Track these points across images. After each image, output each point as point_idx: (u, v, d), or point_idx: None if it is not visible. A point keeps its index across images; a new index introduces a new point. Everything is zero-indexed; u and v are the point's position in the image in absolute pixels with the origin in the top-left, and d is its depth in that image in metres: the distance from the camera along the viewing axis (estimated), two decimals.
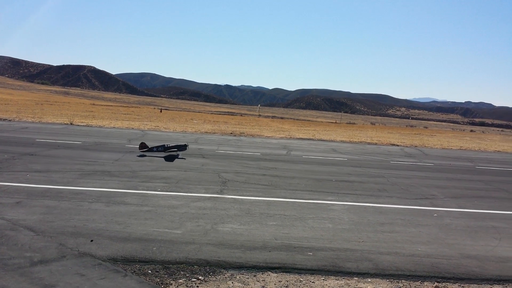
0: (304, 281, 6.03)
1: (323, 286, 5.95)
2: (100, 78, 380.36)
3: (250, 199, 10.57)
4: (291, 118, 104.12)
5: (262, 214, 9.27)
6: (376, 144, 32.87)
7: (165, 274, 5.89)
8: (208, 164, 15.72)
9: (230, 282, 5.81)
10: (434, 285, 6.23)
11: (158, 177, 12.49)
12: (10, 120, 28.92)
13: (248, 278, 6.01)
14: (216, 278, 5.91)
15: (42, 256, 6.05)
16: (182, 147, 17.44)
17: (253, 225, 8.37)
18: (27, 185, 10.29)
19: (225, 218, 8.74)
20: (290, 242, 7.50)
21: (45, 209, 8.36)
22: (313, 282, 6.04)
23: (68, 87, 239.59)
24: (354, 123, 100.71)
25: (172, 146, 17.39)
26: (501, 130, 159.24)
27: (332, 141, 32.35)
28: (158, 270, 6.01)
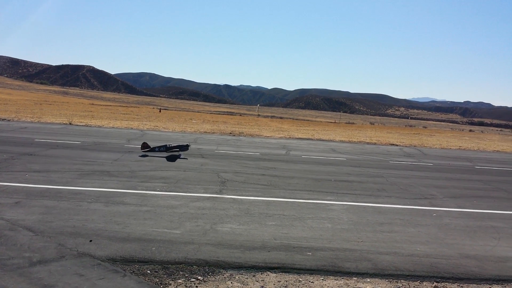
0: (303, 281, 6.04)
1: (322, 286, 5.96)
2: (99, 78, 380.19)
3: (249, 199, 10.57)
4: (290, 118, 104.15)
5: (261, 214, 9.27)
6: (375, 144, 32.88)
7: (164, 274, 5.89)
8: (207, 164, 15.72)
9: (229, 282, 5.81)
10: (433, 285, 6.23)
11: (157, 177, 12.49)
12: (9, 120, 28.88)
13: (247, 278, 6.01)
14: (215, 278, 5.91)
15: (41, 256, 6.04)
16: (184, 147, 17.46)
17: (252, 225, 8.37)
18: (26, 185, 10.28)
19: (224, 218, 8.74)
20: (289, 242, 7.51)
21: (44, 209, 8.35)
22: (312, 282, 6.05)
23: (67, 87, 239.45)
24: (353, 123, 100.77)
25: (174, 146, 17.41)
26: (500, 130, 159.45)
27: (331, 141, 32.36)
28: (157, 270, 6.01)
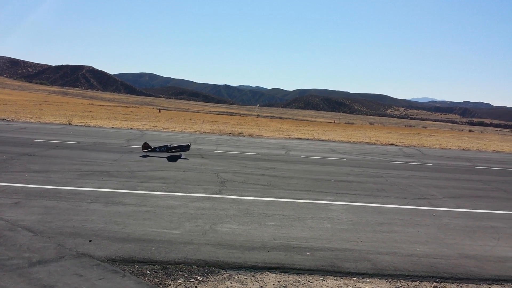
0: (302, 281, 6.04)
1: (321, 286, 5.96)
2: (98, 78, 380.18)
3: (249, 199, 10.57)
4: (289, 118, 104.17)
5: (261, 214, 9.27)
6: (374, 144, 32.90)
7: (163, 275, 5.89)
8: (206, 164, 15.72)
9: (228, 283, 5.81)
10: (432, 285, 6.23)
11: (156, 177, 12.48)
12: (8, 120, 28.87)
13: (246, 278, 6.01)
14: (215, 279, 5.91)
15: (40, 257, 6.04)
16: (185, 148, 17.49)
17: (252, 225, 8.37)
18: (25, 185, 10.27)
19: (223, 218, 8.74)
20: (289, 242, 7.51)
21: (44, 210, 8.35)
22: (311, 282, 6.05)
23: (67, 87, 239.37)
24: (352, 123, 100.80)
25: (175, 146, 17.43)
26: (500, 130, 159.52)
27: (330, 141, 32.37)
28: (156, 270, 6.01)
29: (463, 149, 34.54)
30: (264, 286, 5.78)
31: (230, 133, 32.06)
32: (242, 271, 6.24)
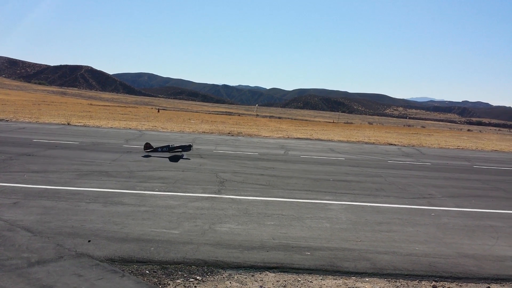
0: (302, 281, 6.04)
1: (321, 285, 5.96)
2: (97, 78, 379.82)
3: (248, 199, 10.56)
4: (288, 118, 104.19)
5: (260, 214, 9.26)
6: (373, 143, 32.92)
7: (162, 274, 5.88)
8: (206, 164, 15.71)
9: (228, 282, 5.81)
10: (431, 284, 6.24)
11: (155, 177, 12.47)
12: (7, 121, 28.83)
13: (246, 278, 6.01)
14: (214, 278, 5.90)
15: (39, 257, 6.03)
16: (187, 148, 17.52)
17: (251, 225, 8.37)
18: (24, 185, 10.25)
19: (223, 218, 8.73)
20: (288, 242, 7.50)
21: (43, 210, 8.33)
22: (311, 281, 6.05)
23: (65, 87, 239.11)
24: (351, 123, 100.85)
25: (176, 146, 17.46)
26: (499, 130, 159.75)
27: (329, 140, 32.38)
28: (155, 270, 6.00)
29: (462, 148, 34.58)
30: (264, 286, 5.78)
31: (229, 133, 32.06)
32: (241, 270, 6.24)
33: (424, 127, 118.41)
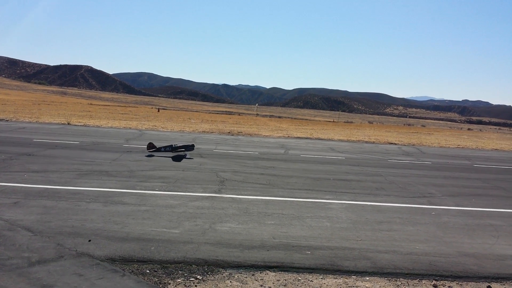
0: (302, 280, 6.04)
1: (321, 285, 5.96)
2: (97, 77, 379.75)
3: (248, 198, 10.57)
4: (288, 117, 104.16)
5: (260, 213, 9.27)
6: (374, 142, 32.91)
7: (163, 274, 5.88)
8: (206, 164, 15.72)
9: (228, 281, 5.81)
10: (432, 283, 6.24)
11: (156, 177, 12.48)
12: (7, 120, 28.83)
13: (246, 277, 6.01)
14: (214, 278, 5.90)
15: (40, 256, 6.03)
16: (190, 147, 17.57)
17: (251, 224, 8.37)
18: (24, 185, 10.26)
19: (223, 217, 8.74)
20: (288, 241, 7.51)
21: (43, 209, 8.34)
22: (311, 281, 6.05)
23: (65, 87, 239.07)
24: (351, 122, 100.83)
25: (179, 146, 17.51)
26: (499, 129, 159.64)
27: (330, 140, 32.38)
28: (156, 269, 6.01)
29: (462, 147, 34.57)
30: (264, 285, 5.79)
31: (229, 132, 32.06)
32: (241, 270, 6.24)
33: (424, 126, 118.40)
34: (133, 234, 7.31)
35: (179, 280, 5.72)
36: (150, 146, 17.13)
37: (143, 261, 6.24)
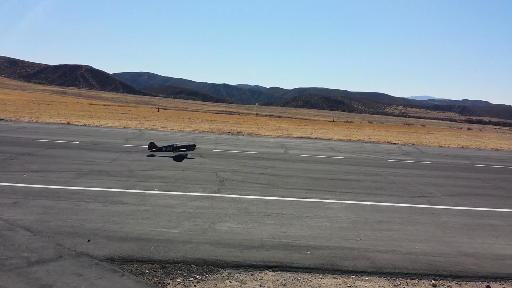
0: (301, 280, 6.04)
1: (320, 284, 5.96)
2: (97, 77, 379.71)
3: (248, 198, 10.57)
4: (288, 117, 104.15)
5: (260, 213, 9.27)
6: (373, 142, 32.91)
7: (162, 274, 5.89)
8: (205, 163, 15.72)
9: (227, 281, 5.81)
10: (431, 282, 6.24)
11: (155, 177, 12.48)
12: (7, 120, 28.83)
13: (245, 277, 6.01)
14: (214, 277, 5.91)
15: (39, 256, 6.03)
16: (191, 147, 17.58)
17: (251, 224, 8.37)
18: (24, 185, 10.26)
19: (222, 217, 8.74)
20: (288, 241, 7.51)
21: (42, 209, 8.34)
22: (310, 280, 6.05)
23: (65, 87, 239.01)
24: (351, 122, 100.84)
25: (181, 146, 17.50)
26: (499, 128, 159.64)
27: (329, 139, 32.38)
28: (155, 269, 6.01)
29: (462, 147, 34.57)
30: (263, 285, 5.79)
31: (229, 132, 32.05)
32: (241, 269, 6.24)
33: (424, 125, 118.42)
34: (133, 234, 7.31)
35: (178, 280, 5.72)
36: (151, 145, 17.13)
37: (143, 261, 6.25)
